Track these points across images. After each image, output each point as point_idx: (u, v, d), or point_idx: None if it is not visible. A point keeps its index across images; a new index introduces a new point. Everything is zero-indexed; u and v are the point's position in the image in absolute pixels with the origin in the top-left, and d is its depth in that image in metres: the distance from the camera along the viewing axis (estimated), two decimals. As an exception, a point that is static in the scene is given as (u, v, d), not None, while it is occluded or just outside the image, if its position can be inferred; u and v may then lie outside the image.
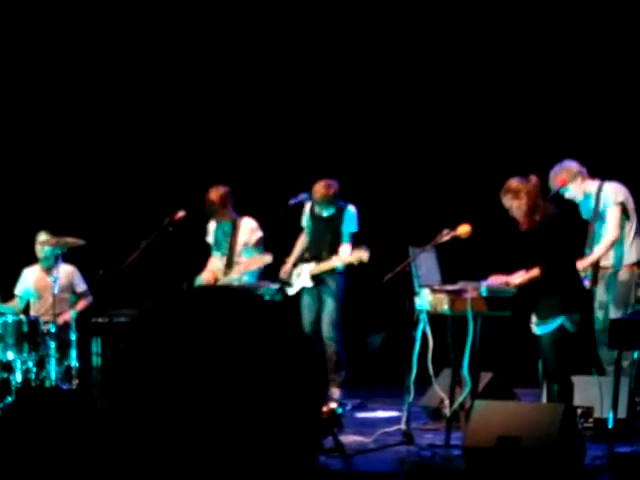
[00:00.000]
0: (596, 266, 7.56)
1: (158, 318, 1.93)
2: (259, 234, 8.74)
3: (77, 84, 11.03)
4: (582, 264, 7.43)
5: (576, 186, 7.63)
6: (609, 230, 7.54)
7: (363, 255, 8.35)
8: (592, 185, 7.67)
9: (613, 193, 7.60)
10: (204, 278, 8.82)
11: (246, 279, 8.63)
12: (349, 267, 8.83)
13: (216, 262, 8.89)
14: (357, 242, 8.89)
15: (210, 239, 8.97)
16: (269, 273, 8.90)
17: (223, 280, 8.65)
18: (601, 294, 7.62)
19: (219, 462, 1.91)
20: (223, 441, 1.90)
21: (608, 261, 7.59)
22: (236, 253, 8.73)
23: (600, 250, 7.55)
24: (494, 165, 9.91)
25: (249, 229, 8.76)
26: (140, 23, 10.99)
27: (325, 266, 8.73)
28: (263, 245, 8.72)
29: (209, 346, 1.91)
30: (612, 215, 7.55)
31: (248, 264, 8.58)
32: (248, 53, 10.99)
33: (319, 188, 8.71)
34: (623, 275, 7.58)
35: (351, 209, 8.85)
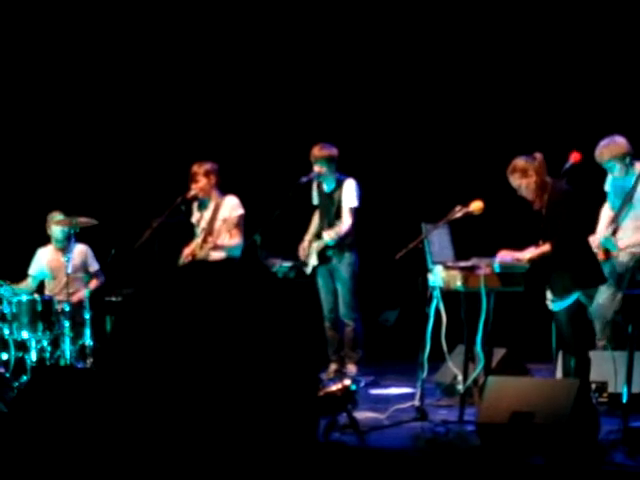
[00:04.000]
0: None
1: (152, 294, 1.95)
2: (240, 211, 8.73)
3: (89, 67, 11.02)
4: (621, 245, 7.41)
5: (624, 164, 7.51)
6: None
7: (332, 233, 8.42)
8: (637, 166, 7.57)
9: None
10: (183, 255, 8.84)
11: (226, 255, 8.62)
12: (361, 245, 8.84)
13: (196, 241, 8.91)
14: (370, 219, 8.89)
15: (194, 219, 8.96)
16: (282, 251, 8.91)
17: (200, 255, 8.65)
18: (607, 266, 7.55)
19: (215, 437, 1.92)
20: (219, 417, 1.92)
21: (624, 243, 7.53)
22: (215, 228, 8.74)
23: None
24: (506, 142, 9.87)
25: (230, 206, 8.75)
26: (137, 12, 10.97)
27: (321, 244, 8.76)
28: (244, 223, 8.72)
29: (202, 318, 1.92)
30: None
31: (218, 234, 8.62)
32: (250, 48, 10.96)
33: (315, 151, 8.76)
34: (623, 257, 7.52)
35: (350, 182, 8.83)
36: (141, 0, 10.98)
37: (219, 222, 8.74)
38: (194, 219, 8.96)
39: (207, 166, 8.73)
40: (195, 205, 8.93)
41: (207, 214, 8.81)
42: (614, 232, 7.51)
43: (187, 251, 8.83)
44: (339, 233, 8.69)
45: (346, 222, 8.75)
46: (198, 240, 8.82)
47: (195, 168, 8.74)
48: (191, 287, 1.91)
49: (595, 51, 10.01)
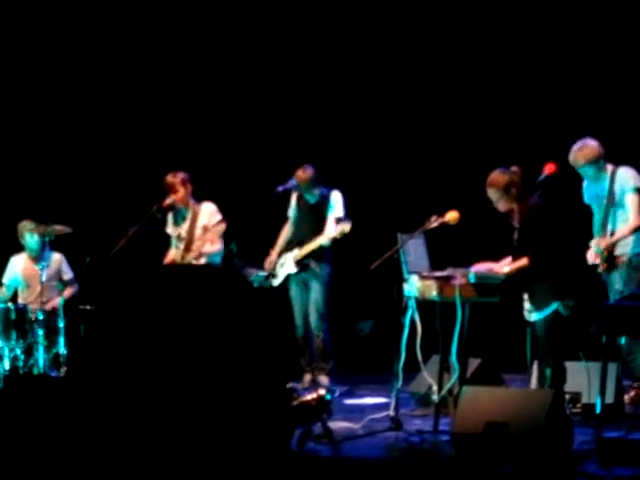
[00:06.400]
0: (611, 253, 7.54)
1: (124, 301, 1.95)
2: (218, 217, 8.75)
3: (61, 73, 10.96)
4: (605, 242, 7.44)
5: (598, 168, 7.57)
6: (633, 217, 7.49)
7: (345, 226, 8.42)
8: (608, 168, 7.63)
9: (632, 178, 7.53)
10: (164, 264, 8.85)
11: (207, 261, 8.63)
12: (336, 255, 8.85)
13: (175, 250, 8.89)
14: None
15: (170, 230, 8.95)
16: (256, 261, 8.90)
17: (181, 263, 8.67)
18: (617, 282, 7.59)
19: (187, 444, 1.92)
20: (192, 425, 1.92)
21: (624, 249, 7.56)
22: (195, 236, 8.74)
23: (623, 233, 7.48)
24: (482, 152, 9.90)
25: (208, 212, 8.78)
26: (121, 12, 10.95)
27: (310, 247, 8.75)
28: (224, 228, 8.73)
29: (173, 325, 1.92)
30: (634, 201, 7.49)
31: (202, 243, 8.61)
32: (240, 49, 10.95)
33: (299, 173, 8.78)
34: (637, 262, 7.56)
35: (335, 195, 8.87)
36: (112, 15, 10.93)
37: (199, 230, 8.75)
38: (170, 230, 8.95)
39: (182, 175, 8.77)
40: (170, 215, 8.93)
41: (186, 223, 8.82)
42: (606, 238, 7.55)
43: (167, 260, 8.83)
44: (330, 237, 8.69)
45: (332, 226, 8.76)
46: (179, 249, 8.81)
47: (171, 178, 8.75)
48: (163, 294, 1.91)
49: (567, 63, 10.05)
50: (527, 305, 6.86)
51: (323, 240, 8.71)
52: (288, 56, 10.87)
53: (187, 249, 8.73)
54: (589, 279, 7.58)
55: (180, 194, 8.73)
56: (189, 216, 8.80)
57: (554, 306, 6.74)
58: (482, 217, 8.85)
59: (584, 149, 7.56)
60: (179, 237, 8.85)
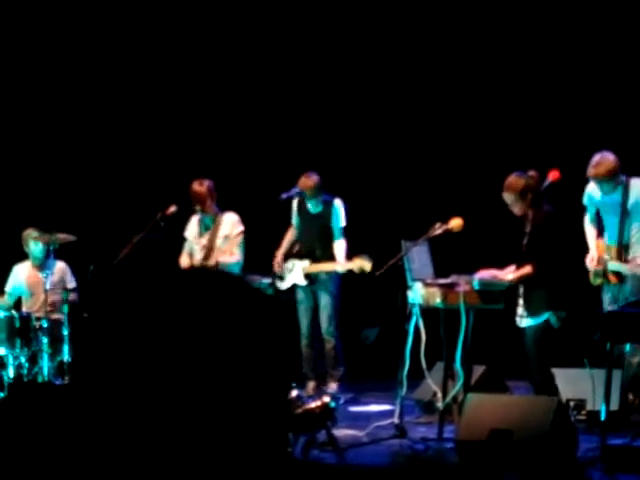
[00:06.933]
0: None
1: (127, 306, 1.95)
2: (240, 228, 8.76)
3: (66, 79, 10.98)
4: (629, 266, 7.39)
5: (616, 182, 7.50)
6: None
7: (366, 265, 8.39)
8: (622, 179, 7.58)
9: None
10: (182, 264, 8.86)
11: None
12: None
13: (189, 257, 8.91)
14: (349, 237, 8.91)
15: (188, 233, 8.96)
16: (260, 268, 8.91)
17: None
18: (615, 289, 7.55)
19: (189, 450, 1.93)
20: (194, 430, 1.92)
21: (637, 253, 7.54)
22: (215, 246, 8.74)
23: None
24: (486, 159, 9.91)
25: (231, 222, 8.79)
26: (125, 16, 10.96)
27: (324, 268, 8.77)
28: (244, 239, 8.74)
29: (177, 330, 1.93)
30: None
31: (220, 252, 8.62)
32: (239, 51, 10.96)
33: (303, 180, 8.76)
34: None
35: (337, 203, 8.89)
36: (122, 24, 10.95)
37: (220, 239, 8.75)
38: (192, 237, 8.92)
39: (207, 183, 8.76)
40: (195, 223, 8.90)
41: (209, 233, 8.82)
42: (621, 252, 7.50)
43: (184, 266, 8.82)
44: (344, 258, 8.71)
45: (343, 243, 8.79)
46: (196, 257, 8.82)
47: (197, 187, 8.72)
48: (165, 299, 1.91)
49: (570, 69, 10.05)
50: (520, 310, 6.87)
51: (339, 268, 8.71)
52: (289, 62, 10.89)
53: (206, 258, 8.75)
54: (584, 290, 7.56)
55: (207, 204, 8.74)
56: (212, 225, 8.82)
57: (546, 315, 6.75)
58: (486, 224, 8.87)
59: (604, 163, 7.42)
60: (201, 246, 8.85)
